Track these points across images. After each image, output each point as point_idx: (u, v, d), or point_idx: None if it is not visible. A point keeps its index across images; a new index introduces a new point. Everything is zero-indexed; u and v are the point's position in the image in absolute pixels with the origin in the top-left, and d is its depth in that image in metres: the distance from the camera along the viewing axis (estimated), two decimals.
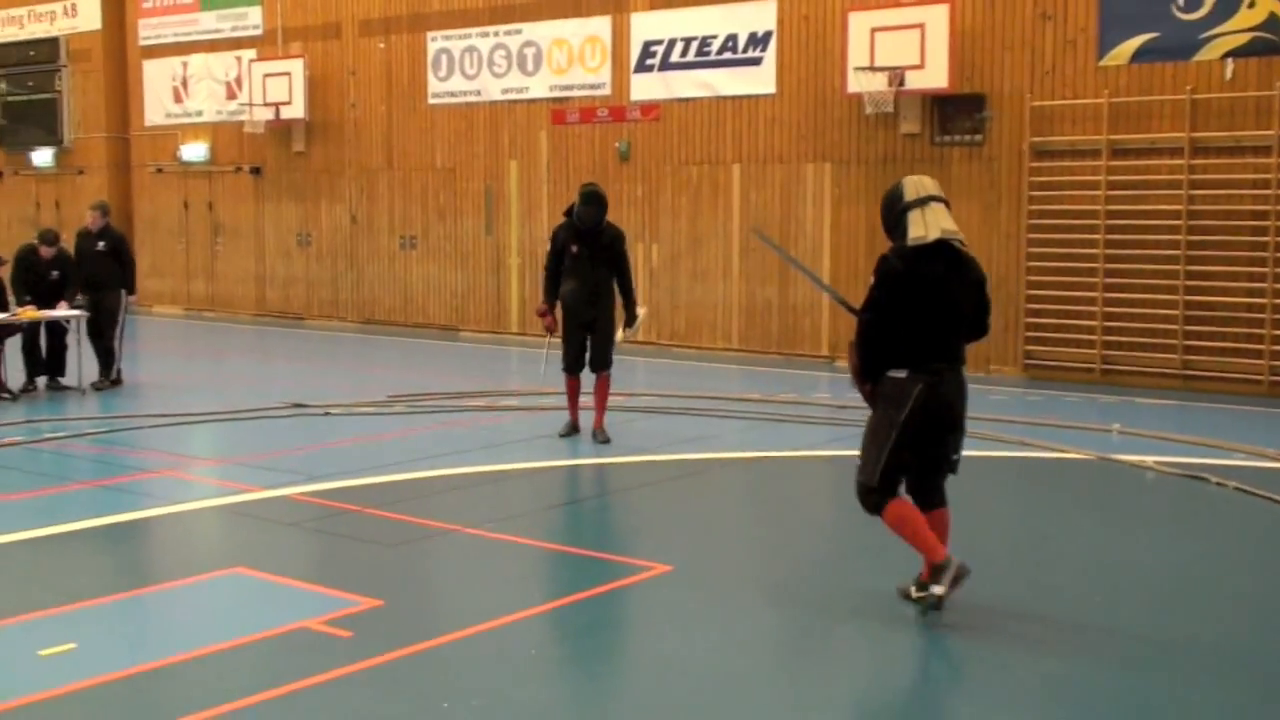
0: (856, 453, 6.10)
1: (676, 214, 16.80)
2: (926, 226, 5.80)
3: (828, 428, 11.18)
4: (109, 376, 13.10)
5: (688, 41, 16.40)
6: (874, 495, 5.93)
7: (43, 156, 23.60)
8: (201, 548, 7.60)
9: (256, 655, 5.55)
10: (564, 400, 10.73)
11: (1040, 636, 5.80)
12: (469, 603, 6.30)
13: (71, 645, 5.60)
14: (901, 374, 5.81)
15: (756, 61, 15.90)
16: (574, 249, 10.15)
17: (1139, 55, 13.44)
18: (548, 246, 10.67)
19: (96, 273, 12.99)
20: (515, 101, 18.03)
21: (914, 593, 6.04)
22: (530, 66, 17.80)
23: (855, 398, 6.53)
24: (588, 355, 10.39)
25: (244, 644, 5.65)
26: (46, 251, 12.88)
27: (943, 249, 5.83)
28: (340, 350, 17.25)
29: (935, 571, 5.80)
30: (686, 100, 16.50)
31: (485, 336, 18.32)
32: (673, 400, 12.55)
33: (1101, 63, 13.66)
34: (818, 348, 15.77)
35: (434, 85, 18.78)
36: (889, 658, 5.65)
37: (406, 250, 19.34)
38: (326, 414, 11.72)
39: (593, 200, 10.06)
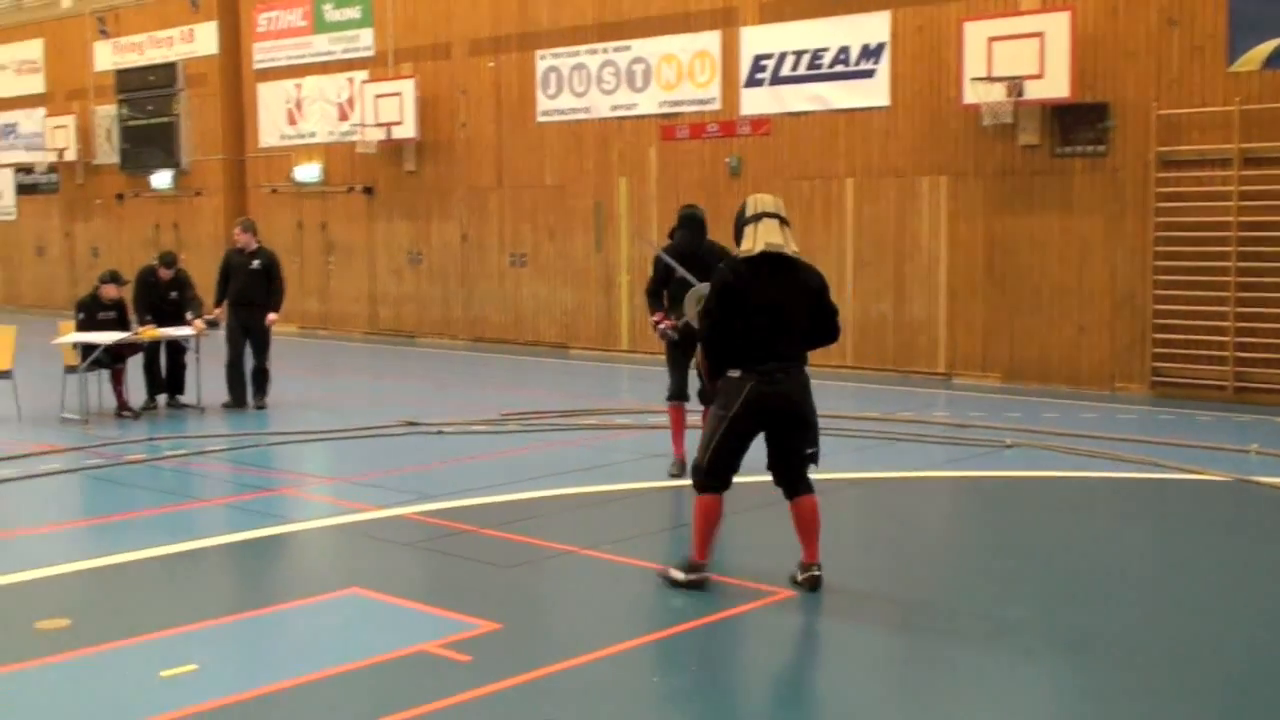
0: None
1: None
2: (755, 240, 6.44)
3: (946, 447, 10.88)
4: (263, 396, 13.18)
5: (799, 55, 16.20)
6: (700, 476, 6.59)
7: (162, 179, 24.08)
8: (318, 567, 7.57)
9: (377, 679, 5.46)
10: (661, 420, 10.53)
11: (1181, 674, 5.51)
12: (589, 627, 6.16)
13: (193, 666, 5.56)
14: (736, 373, 6.45)
15: (869, 74, 15.64)
16: (677, 274, 9.53)
17: (1272, 60, 12.95)
18: (649, 268, 10.30)
19: (248, 291, 13.03)
20: (624, 118, 17.96)
21: (674, 572, 6.62)
22: (639, 83, 17.73)
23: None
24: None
25: (364, 667, 5.57)
26: (165, 273, 13.05)
27: (771, 260, 6.41)
28: (451, 368, 17.29)
29: (692, 566, 6.59)
30: (798, 114, 16.29)
31: (595, 354, 18.24)
32: None
33: (1231, 68, 13.19)
34: (934, 365, 15.44)
35: (543, 103, 18.80)
36: (1017, 688, 5.39)
37: (517, 268, 19.36)
38: (440, 432, 11.69)
39: (687, 223, 9.42)
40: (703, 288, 8.92)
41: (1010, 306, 14.81)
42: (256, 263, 13.22)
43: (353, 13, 21.00)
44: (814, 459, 6.65)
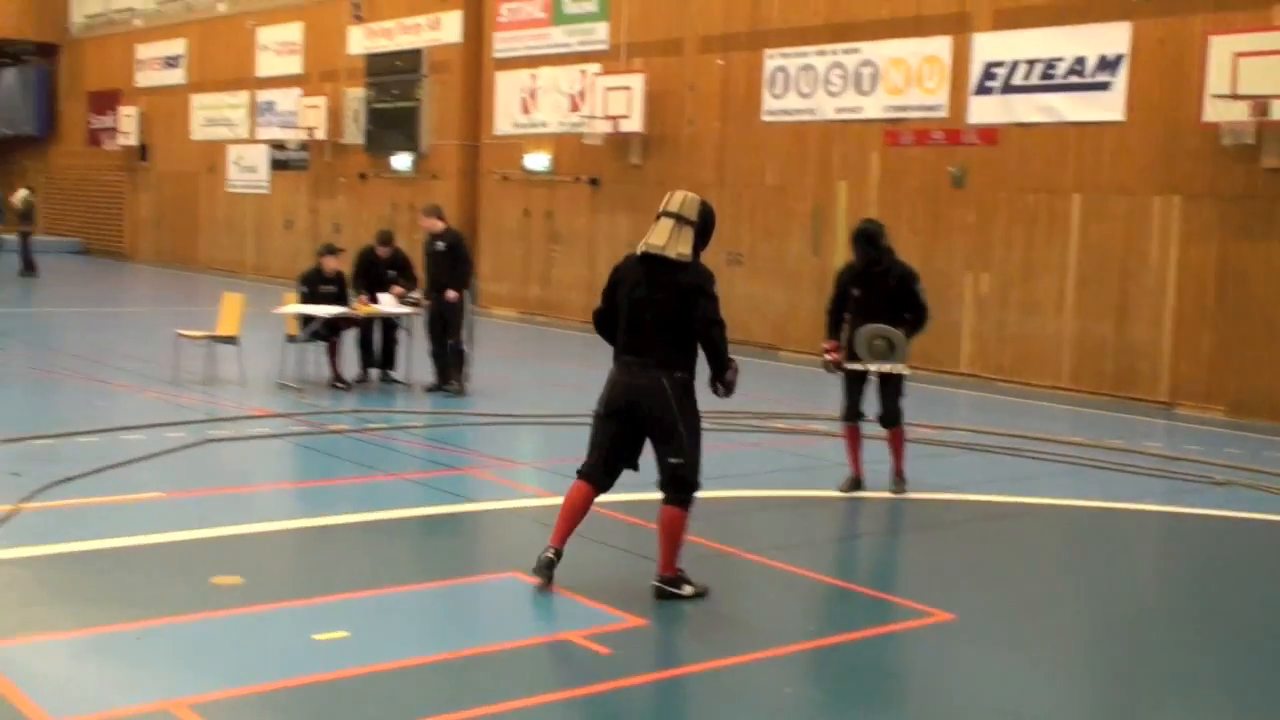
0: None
1: (1010, 243, 16.12)
2: (645, 237, 6.50)
3: (1158, 480, 10.40)
4: (460, 379, 13.17)
5: (1031, 63, 15.71)
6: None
7: (402, 161, 24.94)
8: (484, 549, 7.74)
9: (513, 663, 5.55)
10: (866, 429, 10.37)
11: None
12: (733, 631, 6.13)
13: (345, 633, 5.76)
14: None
15: (1105, 86, 15.06)
16: (855, 291, 9.11)
17: None
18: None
19: (438, 275, 13.27)
20: (849, 121, 17.75)
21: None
22: (866, 86, 17.49)
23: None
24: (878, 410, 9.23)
25: (503, 650, 5.68)
26: (383, 251, 13.52)
27: (650, 259, 6.44)
28: None
29: (545, 551, 6.58)
30: (1027, 125, 15.81)
31: (805, 358, 18.08)
32: (990, 437, 11.98)
33: None
34: (1155, 393, 14.78)
35: (769, 103, 18.73)
36: None
37: (732, 267, 19.35)
38: None
39: (858, 238, 9.00)
40: (879, 328, 8.99)
41: (1241, 337, 14.06)
42: (441, 244, 13.31)
43: (589, 6, 21.33)
44: (680, 471, 6.50)
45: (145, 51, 32.97)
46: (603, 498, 8.38)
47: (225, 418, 11.14)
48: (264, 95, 28.70)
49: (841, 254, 17.83)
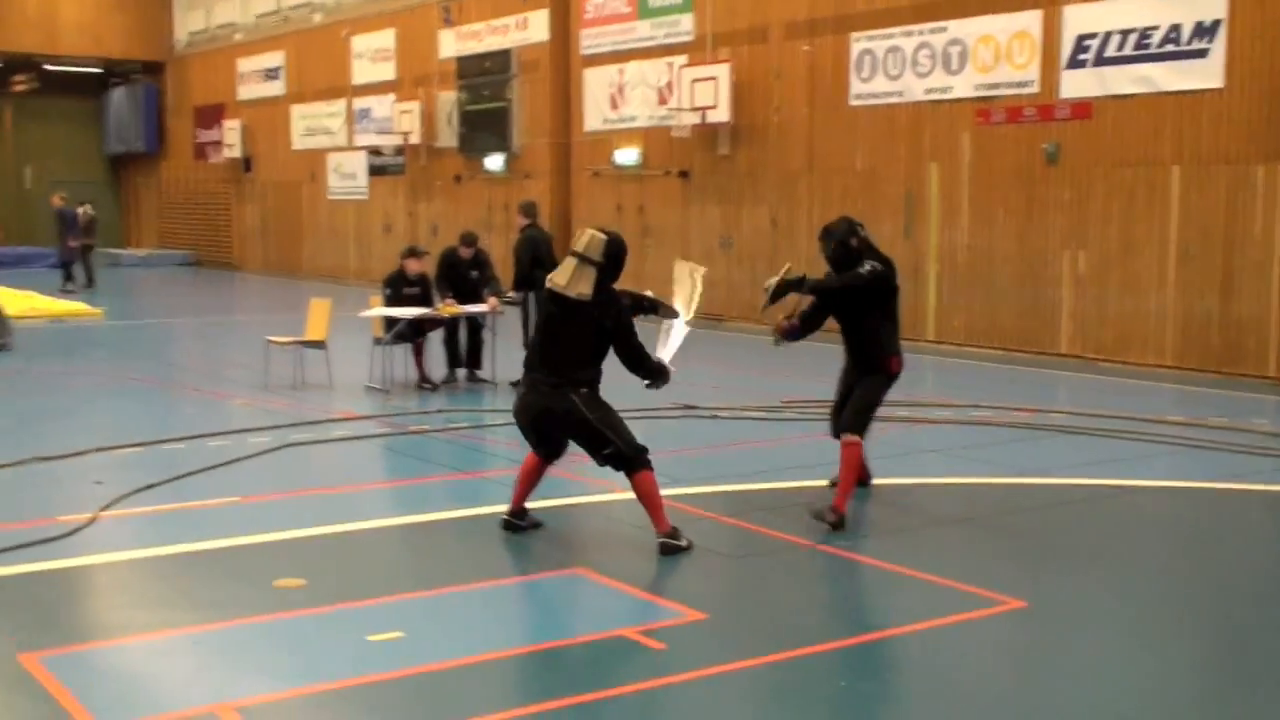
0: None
1: (1107, 219, 15.66)
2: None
3: (1266, 459, 9.99)
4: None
5: (1125, 34, 15.23)
6: None
7: (494, 161, 25.07)
8: (552, 545, 7.66)
9: (566, 660, 5.49)
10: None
11: None
12: (795, 623, 5.98)
13: (400, 633, 5.73)
14: None
15: (1202, 54, 14.54)
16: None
17: None
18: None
19: (516, 272, 13.40)
20: (938, 102, 17.40)
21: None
22: (955, 65, 17.12)
23: None
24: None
25: (559, 647, 5.62)
26: (466, 252, 13.56)
27: (554, 295, 7.10)
28: (751, 354, 17.21)
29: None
30: (1122, 97, 15.33)
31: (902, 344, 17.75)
32: (1087, 419, 11.62)
33: None
34: (1263, 368, 14.24)
35: (856, 86, 18.44)
36: None
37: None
38: (714, 417, 11.67)
39: (821, 236, 8.22)
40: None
41: None
42: (520, 242, 13.51)
43: None
44: (616, 452, 7.13)
45: (246, 65, 33.60)
46: (673, 490, 8.33)
47: (308, 422, 11.23)
48: (360, 102, 29.06)
49: (934, 237, 17.52)
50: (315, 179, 30.97)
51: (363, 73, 28.92)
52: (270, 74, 32.59)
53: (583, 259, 7.05)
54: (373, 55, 28.60)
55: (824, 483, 8.57)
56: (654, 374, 7.43)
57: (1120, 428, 11.22)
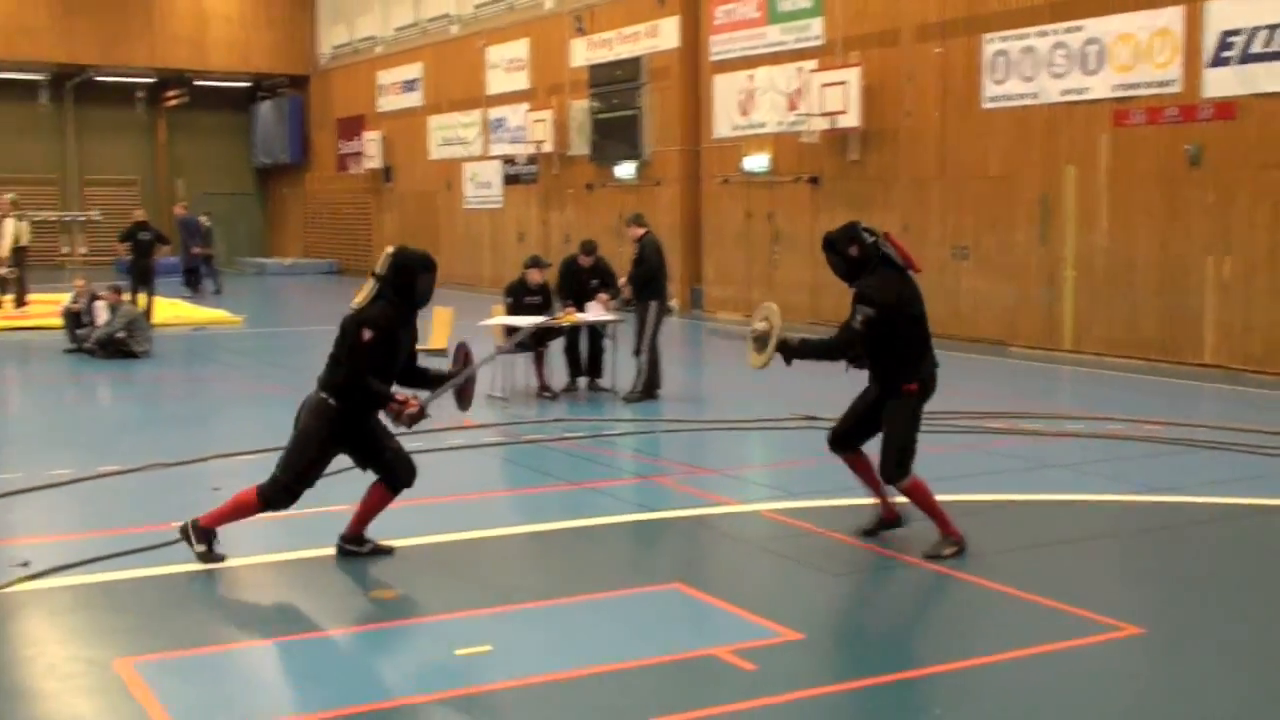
0: None
1: (1253, 224, 15.00)
2: None
3: None
4: (636, 387, 13.08)
5: (1272, 29, 14.56)
6: None
7: (625, 169, 25.08)
8: (652, 559, 7.57)
9: (653, 678, 5.36)
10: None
11: None
12: (895, 646, 5.78)
13: (487, 647, 5.66)
14: None
15: None
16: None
17: None
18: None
19: (632, 284, 13.28)
20: (1075, 103, 16.87)
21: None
22: (1092, 65, 16.58)
23: None
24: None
25: (647, 665, 5.49)
26: (586, 260, 13.51)
27: None
28: None
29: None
30: (1268, 95, 14.67)
31: (1035, 353, 17.28)
32: (1229, 433, 11.09)
33: None
34: None
35: (989, 89, 17.99)
36: None
37: (957, 260, 18.67)
38: None
39: (823, 246, 7.55)
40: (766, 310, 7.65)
41: None
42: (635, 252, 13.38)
43: (804, 2, 20.94)
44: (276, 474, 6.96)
45: (386, 77, 34.19)
46: (783, 503, 8.15)
47: (425, 430, 11.26)
48: (495, 112, 29.33)
49: (1071, 243, 16.99)
50: (451, 188, 31.35)
51: (497, 83, 29.19)
52: (409, 85, 33.11)
53: (373, 273, 7.01)
54: (507, 65, 28.86)
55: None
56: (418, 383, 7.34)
57: (1263, 443, 10.68)
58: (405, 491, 9.01)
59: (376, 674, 5.44)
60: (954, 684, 5.31)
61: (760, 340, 7.36)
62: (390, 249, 7.06)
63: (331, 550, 7.19)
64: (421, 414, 6.94)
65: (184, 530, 6.95)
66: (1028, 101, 17.48)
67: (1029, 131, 17.51)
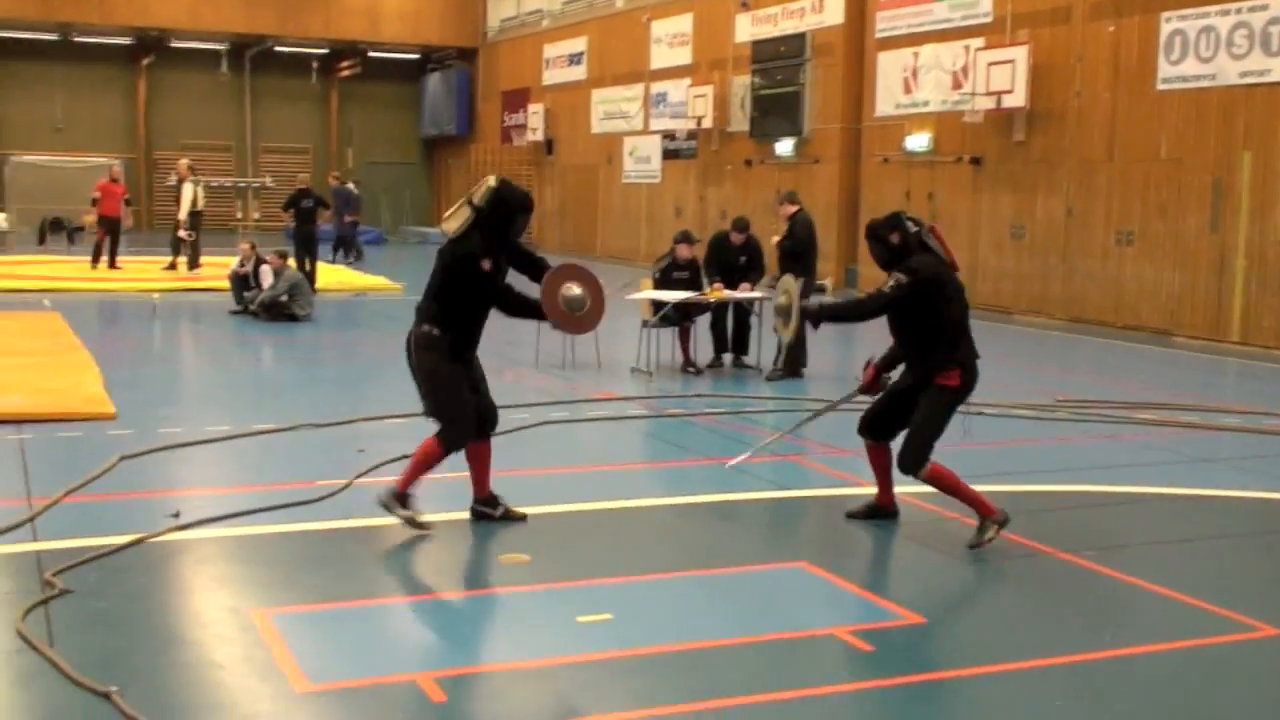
0: None
1: None
2: None
3: None
4: (779, 365, 13.08)
5: None
6: None
7: (784, 146, 24.93)
8: (779, 537, 7.56)
9: (771, 654, 5.36)
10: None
11: None
12: (1018, 634, 5.67)
13: (609, 615, 5.73)
14: None
15: None
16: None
17: None
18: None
19: (780, 260, 13.21)
20: (1254, 86, 16.20)
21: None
22: (1275, 46, 15.90)
23: None
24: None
25: (764, 641, 5.49)
26: (737, 238, 13.49)
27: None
28: (1036, 349, 16.54)
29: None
30: None
31: (1200, 344, 16.70)
32: None
33: None
34: None
35: (1164, 69, 17.38)
36: None
37: (1122, 246, 18.13)
38: (979, 413, 11.20)
39: (865, 234, 7.41)
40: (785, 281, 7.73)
41: None
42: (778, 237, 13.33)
43: None
44: (430, 415, 7.09)
45: (551, 50, 34.53)
46: (915, 487, 8.08)
47: (569, 400, 11.44)
48: (657, 87, 29.41)
49: (1245, 231, 16.36)
50: (612, 162, 31.55)
51: (660, 57, 29.26)
52: (573, 59, 33.39)
53: (468, 200, 6.96)
54: (670, 40, 28.89)
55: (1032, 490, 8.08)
56: (530, 311, 7.24)
57: None
58: (548, 460, 9.20)
59: (497, 636, 5.56)
60: (1077, 676, 5.20)
61: (784, 313, 7.36)
62: (492, 180, 7.03)
63: (458, 515, 7.33)
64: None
65: (383, 503, 7.03)
66: (1204, 83, 16.85)
67: (1204, 115, 16.90)
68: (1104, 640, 5.59)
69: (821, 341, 14.32)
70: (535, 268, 7.36)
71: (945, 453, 9.06)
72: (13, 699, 4.78)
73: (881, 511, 7.45)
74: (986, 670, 5.18)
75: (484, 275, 6.94)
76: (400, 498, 7.03)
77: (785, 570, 6.57)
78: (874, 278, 22.58)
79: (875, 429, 7.34)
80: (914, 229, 7.06)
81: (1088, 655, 5.43)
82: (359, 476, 8.17)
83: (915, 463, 6.93)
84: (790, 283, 7.45)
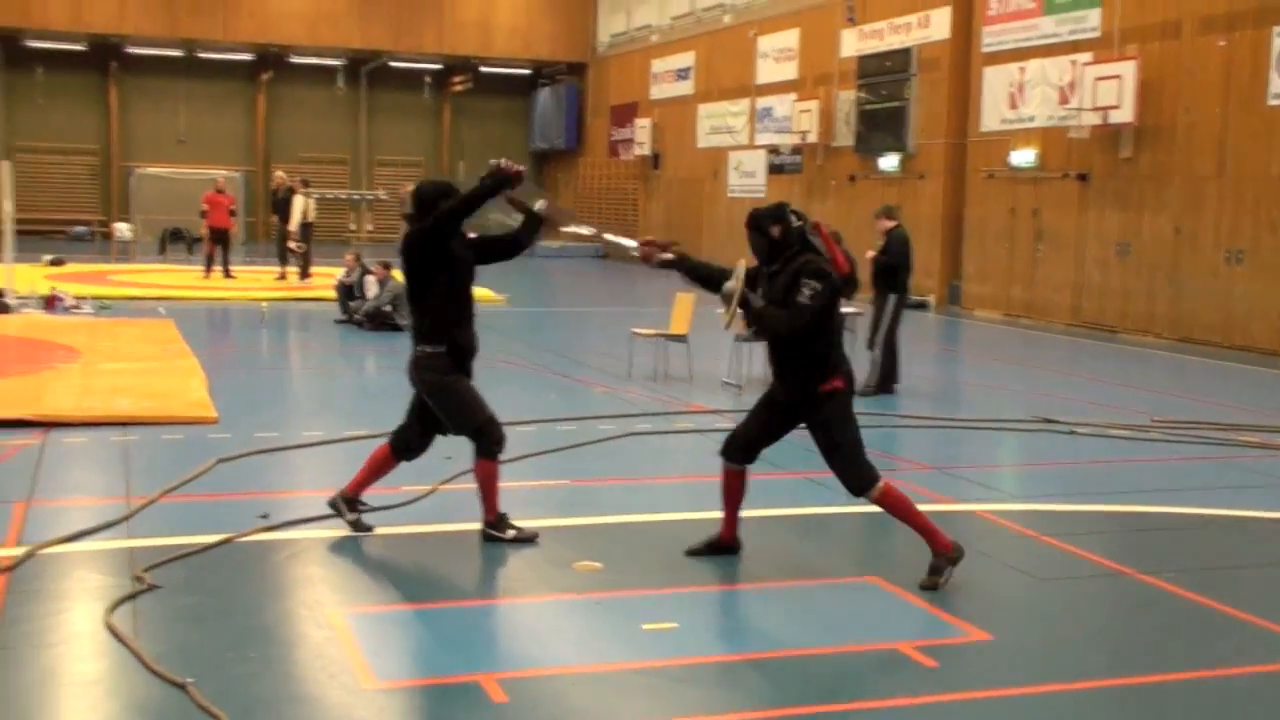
0: None
1: None
2: None
3: None
4: (870, 381, 12.91)
5: None
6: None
7: (889, 162, 24.83)
8: (852, 551, 7.56)
9: (832, 666, 5.40)
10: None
11: None
12: (1086, 654, 5.63)
13: (674, 624, 5.81)
14: None
15: None
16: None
17: None
18: None
19: (873, 275, 13.18)
20: None
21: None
22: None
23: None
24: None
25: (829, 653, 5.53)
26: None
27: None
28: (1140, 368, 16.26)
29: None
30: None
31: None
32: None
33: None
34: None
35: (1276, 85, 17.02)
36: None
37: (1231, 265, 17.76)
38: (1072, 432, 11.09)
39: (746, 222, 6.86)
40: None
41: None
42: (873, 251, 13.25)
43: None
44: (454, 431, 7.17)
45: (659, 65, 34.76)
46: (995, 505, 8.03)
47: (658, 413, 11.53)
48: (762, 102, 29.46)
49: None
50: (717, 176, 31.64)
51: (766, 72, 29.31)
52: (681, 74, 33.58)
53: (402, 215, 7.26)
54: (777, 55, 28.94)
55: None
56: (522, 234, 7.32)
57: None
58: (632, 471, 9.30)
59: (562, 640, 5.65)
60: (1143, 698, 5.16)
61: (728, 299, 6.59)
62: (410, 187, 7.53)
63: (547, 521, 7.46)
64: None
65: (331, 503, 7.27)
66: None
67: None
68: (1170, 663, 5.53)
69: (916, 359, 14.27)
70: (511, 237, 7.39)
71: (1042, 472, 9.01)
72: (97, 687, 5.00)
73: (724, 546, 6.91)
74: (1049, 689, 5.15)
75: (420, 231, 6.92)
76: (349, 501, 7.22)
77: (856, 585, 6.59)
78: (978, 295, 22.42)
79: (746, 451, 6.86)
80: (797, 223, 6.61)
81: (1157, 677, 5.38)
82: (443, 483, 8.34)
83: (862, 479, 6.49)
84: (740, 270, 6.57)
